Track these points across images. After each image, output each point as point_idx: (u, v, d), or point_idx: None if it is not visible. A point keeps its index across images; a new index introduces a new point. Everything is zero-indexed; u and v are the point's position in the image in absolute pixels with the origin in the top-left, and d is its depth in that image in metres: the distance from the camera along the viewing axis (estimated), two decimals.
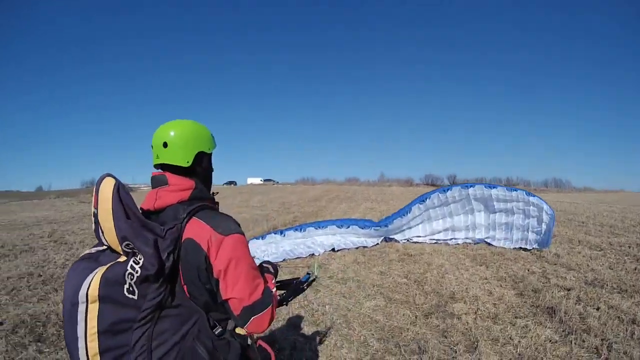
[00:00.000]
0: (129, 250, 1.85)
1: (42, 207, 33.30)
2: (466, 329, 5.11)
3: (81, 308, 1.88)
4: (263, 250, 11.07)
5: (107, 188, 1.88)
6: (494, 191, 10.60)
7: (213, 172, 2.35)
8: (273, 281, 2.34)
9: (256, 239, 11.78)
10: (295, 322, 5.45)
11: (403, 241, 10.89)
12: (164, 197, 2.04)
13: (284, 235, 11.80)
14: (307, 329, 5.28)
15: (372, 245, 10.74)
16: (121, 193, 1.89)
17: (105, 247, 1.99)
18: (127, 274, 1.85)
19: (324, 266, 8.47)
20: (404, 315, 5.49)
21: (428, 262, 8.40)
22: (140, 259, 1.84)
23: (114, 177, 1.95)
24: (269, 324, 2.01)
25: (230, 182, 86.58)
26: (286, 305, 2.94)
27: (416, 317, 5.46)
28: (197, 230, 1.91)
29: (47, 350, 4.75)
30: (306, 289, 3.12)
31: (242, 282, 1.90)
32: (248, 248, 1.98)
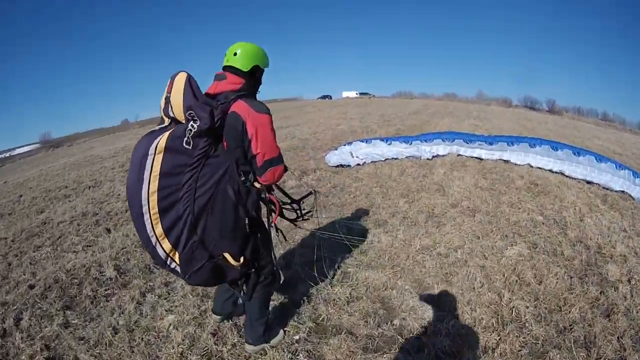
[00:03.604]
0: (190, 118, 2.62)
1: (125, 138, 33.66)
2: (627, 308, 3.78)
3: (150, 159, 2.66)
4: (365, 152, 10.41)
5: (180, 78, 2.71)
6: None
7: (261, 86, 3.11)
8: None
9: (360, 141, 11.11)
10: (419, 277, 4.33)
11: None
12: (221, 86, 2.85)
13: (390, 144, 10.81)
14: (434, 284, 4.18)
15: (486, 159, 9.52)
16: (191, 81, 2.72)
17: (168, 123, 2.79)
18: (187, 129, 2.63)
19: (440, 188, 7.27)
20: (556, 275, 4.18)
21: (560, 197, 6.85)
22: (197, 120, 2.63)
23: (186, 72, 2.76)
24: (279, 177, 2.81)
25: (325, 96, 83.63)
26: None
27: (571, 280, 4.15)
28: (240, 107, 2.70)
29: (75, 322, 4.07)
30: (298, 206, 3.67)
31: (267, 143, 2.69)
32: (272, 123, 2.75)
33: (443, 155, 10.02)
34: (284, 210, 3.43)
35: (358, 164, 9.63)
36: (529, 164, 9.02)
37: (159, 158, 2.69)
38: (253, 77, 2.97)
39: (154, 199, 2.69)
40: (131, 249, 6.06)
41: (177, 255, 2.77)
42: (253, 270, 3.06)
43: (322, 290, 4.17)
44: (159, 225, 2.71)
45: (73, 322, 4.14)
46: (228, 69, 2.93)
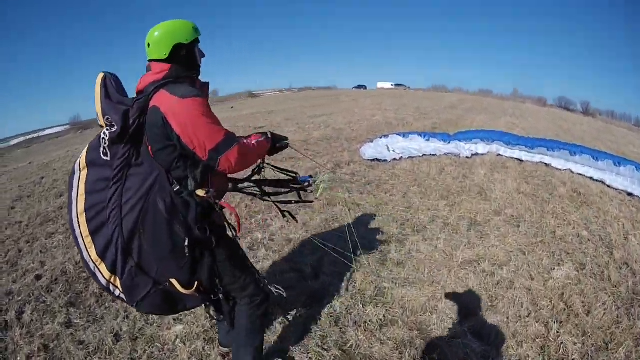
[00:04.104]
0: (108, 123, 2.37)
1: None
2: None
3: (76, 176, 2.55)
4: (402, 146, 10.29)
5: (97, 81, 2.47)
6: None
7: (204, 57, 2.67)
8: (261, 138, 2.62)
9: (397, 134, 11.14)
10: (462, 299, 3.93)
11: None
12: (144, 80, 2.47)
13: (428, 140, 10.79)
14: (478, 308, 3.83)
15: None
16: (106, 81, 2.45)
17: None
18: (101, 138, 2.43)
19: (482, 191, 6.99)
20: (604, 304, 3.86)
21: (603, 210, 6.51)
22: (114, 126, 2.37)
23: (105, 72, 2.48)
24: (239, 162, 2.35)
25: (360, 86, 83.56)
26: (261, 198, 3.25)
27: (618, 311, 3.82)
28: (160, 98, 2.30)
29: (77, 322, 3.88)
30: (290, 191, 3.31)
31: (202, 131, 2.25)
32: (206, 107, 2.31)
33: (482, 154, 9.73)
34: (285, 189, 3.32)
35: (394, 159, 9.43)
36: (569, 170, 8.71)
37: (84, 175, 2.54)
38: (179, 59, 2.50)
39: (83, 220, 2.50)
40: None
41: (118, 281, 2.53)
42: (221, 296, 2.72)
43: (352, 308, 3.83)
44: (93, 249, 2.50)
45: (75, 321, 4.01)
46: (151, 61, 2.54)
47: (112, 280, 2.51)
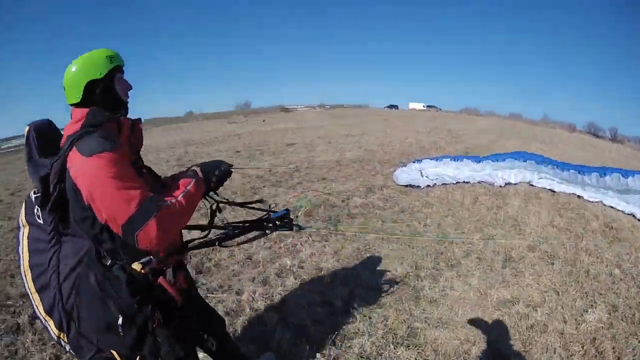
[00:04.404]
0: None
1: (185, 130, 33.78)
2: None
3: (20, 231, 2.37)
4: (436, 172, 10.37)
5: (25, 135, 2.26)
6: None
7: (131, 90, 2.35)
8: (189, 186, 2.16)
9: (430, 159, 11.21)
10: (495, 343, 3.88)
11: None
12: (66, 131, 2.17)
13: (461, 161, 10.91)
14: (511, 354, 3.77)
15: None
16: (30, 138, 2.23)
17: None
18: (32, 199, 2.31)
19: (516, 224, 6.99)
20: (634, 350, 3.84)
21: (634, 246, 6.40)
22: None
23: (31, 124, 2.24)
24: (163, 237, 1.90)
25: (392, 106, 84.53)
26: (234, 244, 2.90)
27: None
28: (71, 157, 1.95)
29: None
30: (271, 231, 2.90)
31: (110, 200, 1.87)
32: (116, 166, 1.90)
33: (515, 184, 9.73)
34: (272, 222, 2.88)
35: (428, 185, 9.50)
36: (601, 202, 8.66)
37: (26, 232, 2.36)
38: (95, 99, 2.19)
39: (29, 277, 2.34)
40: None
41: (65, 338, 2.33)
42: None
43: (383, 349, 3.74)
44: (41, 306, 2.33)
45: None
46: (72, 106, 2.23)
47: (61, 337, 2.33)
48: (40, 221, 2.28)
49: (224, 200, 2.72)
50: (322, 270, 5.31)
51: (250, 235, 2.92)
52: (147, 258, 2.12)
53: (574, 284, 5.00)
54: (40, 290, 2.31)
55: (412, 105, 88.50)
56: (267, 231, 2.91)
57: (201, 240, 2.68)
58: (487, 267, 5.37)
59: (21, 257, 2.36)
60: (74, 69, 2.17)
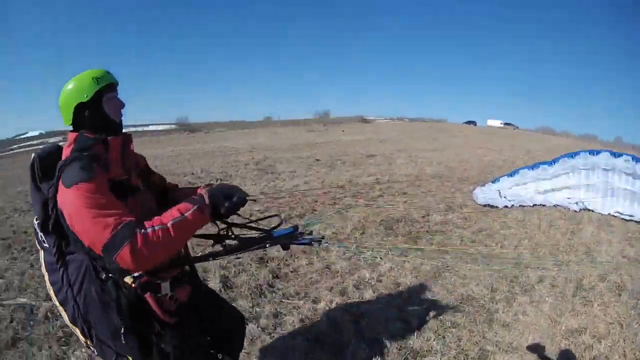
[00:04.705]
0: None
1: (263, 135, 33.76)
2: None
3: (40, 254, 2.55)
4: (513, 193, 10.62)
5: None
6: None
7: (123, 108, 2.41)
8: (187, 213, 2.08)
9: (507, 175, 11.29)
10: None
11: None
12: (64, 155, 2.23)
13: (537, 168, 11.04)
14: None
15: None
16: (34, 167, 2.28)
17: None
18: (35, 227, 2.44)
19: (588, 252, 7.14)
20: None
21: None
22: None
23: (36, 153, 2.32)
24: (137, 261, 1.90)
25: (470, 122, 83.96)
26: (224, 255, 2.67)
27: None
28: (59, 187, 2.05)
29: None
30: (272, 244, 2.73)
31: (87, 228, 1.94)
32: (92, 195, 1.97)
33: (591, 210, 9.79)
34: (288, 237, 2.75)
35: (506, 206, 9.73)
36: None
37: (42, 254, 2.56)
38: (84, 121, 2.31)
39: (52, 292, 2.54)
40: (245, 261, 6.12)
41: (92, 344, 2.50)
42: None
43: None
44: (66, 317, 2.52)
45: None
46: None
47: (88, 343, 2.51)
48: (46, 245, 2.42)
49: (230, 223, 2.63)
50: (400, 286, 5.48)
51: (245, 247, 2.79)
52: (137, 273, 2.22)
53: (637, 317, 5.11)
54: (62, 304, 2.50)
55: (490, 122, 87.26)
56: (268, 245, 2.79)
57: (200, 255, 2.70)
58: (559, 294, 5.51)
59: (45, 275, 2.56)
60: (64, 92, 2.28)
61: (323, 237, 2.90)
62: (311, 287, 5.47)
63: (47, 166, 2.27)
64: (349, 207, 9.67)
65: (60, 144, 2.39)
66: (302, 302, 5.05)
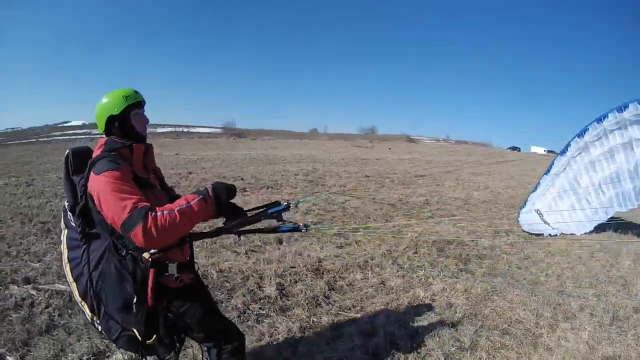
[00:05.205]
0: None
1: (310, 147, 34.23)
2: None
3: (62, 232, 2.92)
4: (555, 218, 10.76)
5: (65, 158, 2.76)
6: None
7: (148, 123, 2.89)
8: (192, 202, 2.47)
9: (533, 192, 11.46)
10: None
11: None
12: (94, 155, 2.68)
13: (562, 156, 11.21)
14: None
15: None
16: (68, 160, 2.74)
17: None
18: (66, 209, 2.84)
19: (625, 284, 7.39)
20: None
21: None
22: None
23: (71, 149, 2.80)
24: (147, 239, 2.27)
25: (514, 148, 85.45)
26: (236, 235, 2.94)
27: None
28: (89, 175, 2.50)
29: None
30: (263, 217, 2.94)
31: (110, 208, 2.34)
32: (118, 181, 2.39)
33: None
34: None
35: (550, 235, 10.18)
36: None
37: (65, 233, 2.91)
38: (114, 130, 2.78)
39: (67, 269, 2.85)
40: (301, 270, 6.34)
41: (97, 319, 2.81)
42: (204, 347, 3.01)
43: None
44: (77, 292, 2.83)
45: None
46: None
47: (94, 318, 2.82)
48: (73, 224, 2.79)
49: (237, 222, 2.84)
50: (452, 306, 5.72)
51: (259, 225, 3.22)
52: (153, 250, 2.51)
53: None
54: (76, 279, 2.82)
55: (533, 149, 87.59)
56: (278, 222, 3.05)
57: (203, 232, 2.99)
58: (597, 323, 5.71)
59: (62, 253, 2.90)
60: (99, 105, 2.73)
61: (288, 205, 3.04)
62: (367, 302, 5.70)
63: (79, 162, 2.75)
64: (403, 225, 10.18)
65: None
66: (359, 315, 5.25)
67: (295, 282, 5.92)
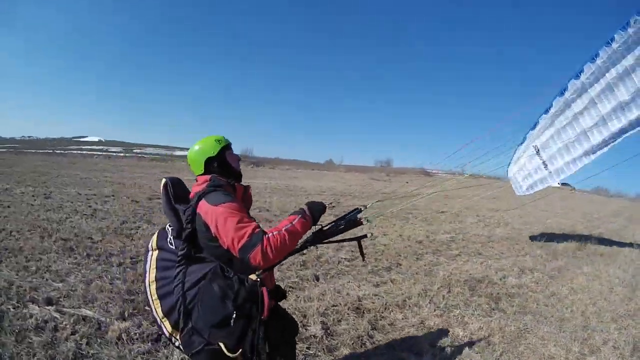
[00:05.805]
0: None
1: (329, 179, 34.26)
2: None
3: (149, 254, 3.06)
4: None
5: (162, 186, 3.00)
6: None
7: (240, 160, 3.24)
8: (294, 221, 2.83)
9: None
10: None
11: None
12: (193, 189, 2.99)
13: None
14: None
15: None
16: (168, 187, 3.00)
17: None
18: (168, 230, 3.04)
19: None
20: None
21: None
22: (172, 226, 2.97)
23: (167, 178, 3.04)
24: (264, 258, 2.53)
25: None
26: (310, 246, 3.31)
27: None
28: (200, 206, 2.73)
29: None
30: (337, 226, 3.38)
31: (229, 234, 2.55)
32: (234, 211, 2.65)
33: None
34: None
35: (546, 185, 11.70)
36: None
37: (155, 254, 3.05)
38: (214, 169, 3.06)
39: (153, 287, 2.96)
40: (343, 309, 6.41)
41: (178, 335, 2.91)
42: None
43: None
44: (159, 309, 2.93)
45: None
46: (197, 175, 3.10)
47: (174, 334, 2.94)
48: (172, 247, 2.97)
49: (323, 226, 3.34)
50: (490, 344, 5.88)
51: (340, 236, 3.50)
52: (259, 272, 2.75)
53: None
54: (162, 297, 2.93)
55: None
56: (361, 220, 3.57)
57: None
58: (619, 355, 6.05)
59: (147, 273, 3.01)
60: (194, 151, 3.05)
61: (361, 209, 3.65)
62: (410, 341, 5.77)
63: (178, 192, 3.05)
64: (433, 264, 10.62)
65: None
66: (404, 354, 5.35)
67: (339, 321, 5.91)
